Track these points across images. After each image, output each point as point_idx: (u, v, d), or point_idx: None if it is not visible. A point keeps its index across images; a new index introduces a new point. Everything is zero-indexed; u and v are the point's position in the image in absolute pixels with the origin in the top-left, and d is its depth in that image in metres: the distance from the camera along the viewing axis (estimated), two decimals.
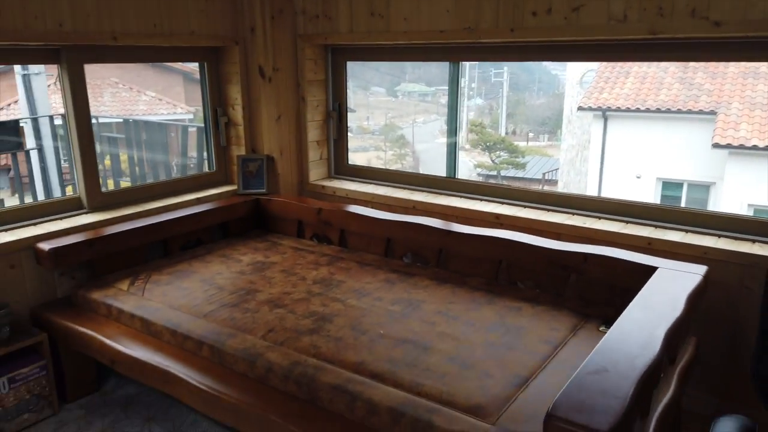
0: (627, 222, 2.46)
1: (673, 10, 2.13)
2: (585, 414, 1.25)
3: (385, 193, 3.01)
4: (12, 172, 11.70)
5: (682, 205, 8.66)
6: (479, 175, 14.63)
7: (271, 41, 3.00)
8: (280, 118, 3.14)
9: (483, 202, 2.82)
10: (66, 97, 2.57)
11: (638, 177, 10.32)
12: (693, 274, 1.99)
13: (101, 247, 2.47)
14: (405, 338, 1.93)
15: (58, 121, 4.73)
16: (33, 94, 5.59)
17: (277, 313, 2.13)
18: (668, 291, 1.86)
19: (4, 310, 2.20)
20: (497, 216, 2.66)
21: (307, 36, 3.06)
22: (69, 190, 4.57)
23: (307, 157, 3.25)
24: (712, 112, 9.18)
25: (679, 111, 9.80)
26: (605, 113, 10.74)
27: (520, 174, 14.35)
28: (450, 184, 2.98)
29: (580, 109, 11.36)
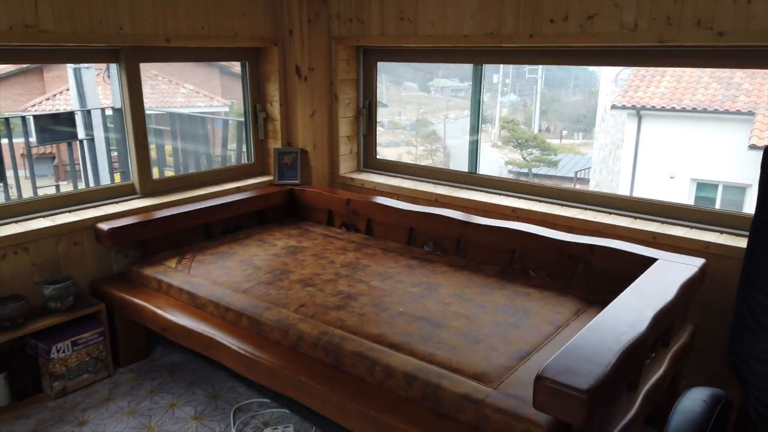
0: (635, 217, 2.65)
1: (680, 20, 2.31)
2: (570, 376, 1.48)
3: (409, 186, 3.25)
4: (56, 160, 12.34)
5: (717, 207, 8.63)
6: (510, 172, 14.67)
7: (307, 43, 3.27)
8: (313, 114, 3.40)
9: (501, 196, 3.03)
10: (123, 92, 2.89)
11: (672, 177, 10.28)
12: (689, 265, 2.18)
13: (152, 229, 2.78)
14: (421, 316, 2.17)
15: (107, 113, 5.10)
16: (83, 87, 6.01)
17: (308, 291, 2.39)
18: (663, 279, 2.05)
19: (69, 282, 2.53)
20: (514, 209, 2.87)
21: (341, 38, 3.32)
22: (117, 178, 4.94)
23: (338, 151, 3.51)
24: (750, 113, 9.10)
25: (716, 111, 9.73)
26: (639, 112, 10.72)
27: (552, 172, 14.33)
28: (471, 179, 3.20)
29: (614, 107, 11.36)
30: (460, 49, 3.03)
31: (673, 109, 10.22)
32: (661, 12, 2.34)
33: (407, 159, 14.04)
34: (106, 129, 4.82)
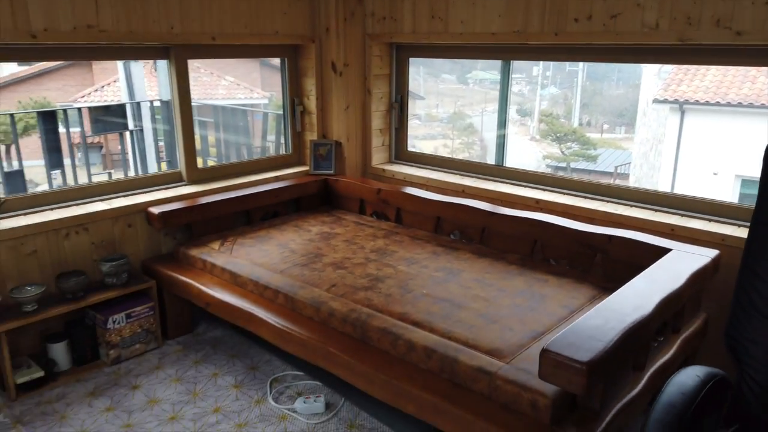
0: (655, 210, 2.77)
1: (700, 20, 2.41)
2: (572, 350, 1.64)
3: (438, 177, 3.42)
4: (104, 150, 12.95)
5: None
6: (548, 166, 14.60)
7: (343, 40, 3.47)
8: (348, 108, 3.61)
9: (526, 188, 3.17)
10: (172, 87, 3.15)
11: (715, 174, 10.12)
12: (702, 256, 2.30)
13: (197, 214, 3.04)
14: (443, 297, 2.36)
15: (155, 105, 5.43)
16: (132, 79, 6.37)
17: (339, 273, 2.61)
18: (674, 268, 2.18)
19: (123, 260, 2.81)
20: (537, 201, 3.01)
21: (375, 35, 3.50)
22: (162, 167, 5.26)
23: (371, 143, 3.71)
24: None
25: (762, 106, 9.54)
26: (682, 106, 10.56)
27: (591, 166, 14.19)
28: (498, 171, 3.35)
29: (655, 101, 11.21)
30: (489, 46, 3.18)
31: (718, 104, 10.04)
32: (682, 12, 2.44)
33: (443, 152, 14.15)
34: (153, 120, 5.15)
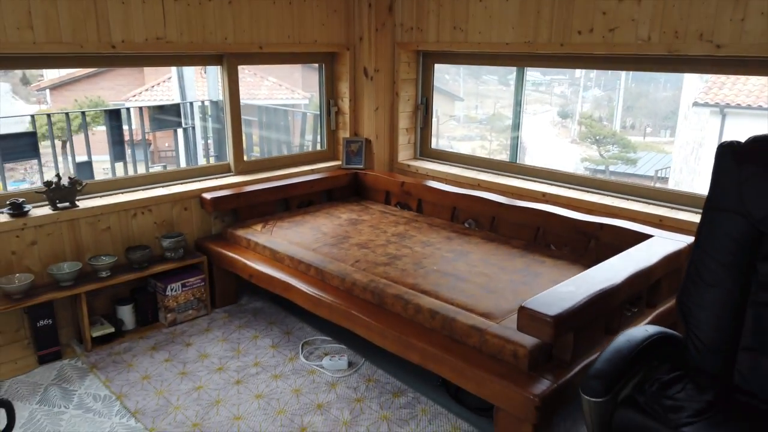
0: (648, 203, 3.13)
1: (686, 34, 2.78)
2: (545, 307, 2.05)
3: (457, 172, 3.85)
4: (152, 146, 13.82)
5: None
6: (586, 169, 14.73)
7: (374, 48, 3.94)
8: (377, 109, 4.08)
9: (535, 182, 3.57)
10: (224, 89, 3.68)
11: None
12: (680, 242, 2.66)
13: (243, 200, 3.55)
14: (451, 273, 2.79)
15: (205, 104, 6.02)
16: (184, 81, 7.02)
17: (363, 251, 3.07)
18: (650, 251, 2.56)
19: (180, 237, 3.34)
20: (544, 194, 3.41)
21: (403, 44, 3.96)
22: (210, 161, 5.83)
23: (397, 141, 4.17)
24: None
25: None
26: (723, 110, 10.64)
27: (630, 170, 14.25)
28: (511, 167, 3.76)
29: (695, 104, 11.29)
30: (503, 54, 3.59)
31: (760, 108, 10.10)
32: (670, 27, 2.81)
33: (480, 153, 14.46)
34: (204, 119, 5.74)
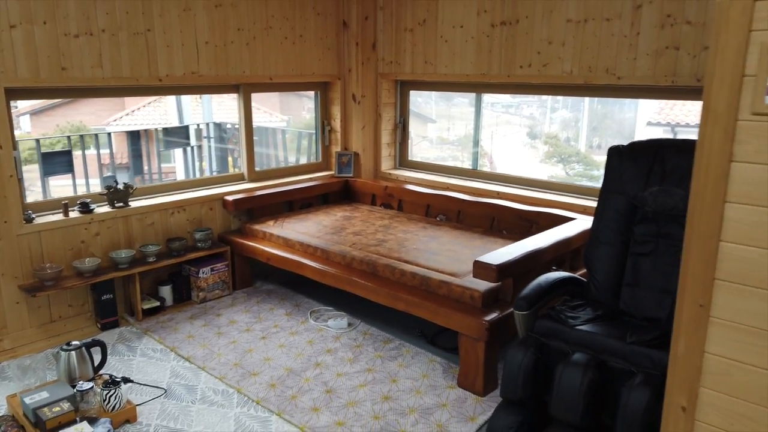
0: (576, 197, 4.19)
1: (597, 69, 3.87)
2: (491, 260, 3.05)
3: (430, 178, 4.88)
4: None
5: None
6: None
7: (361, 78, 4.98)
8: (364, 128, 5.10)
9: (491, 184, 4.62)
10: (240, 112, 4.66)
11: None
12: None
13: (256, 202, 4.52)
14: (427, 249, 3.79)
15: (210, 126, 6.98)
16: (182, 106, 7.96)
17: (357, 237, 4.05)
18: (572, 227, 3.60)
19: (208, 231, 4.28)
20: (498, 193, 4.45)
21: (384, 74, 5.01)
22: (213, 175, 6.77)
23: (381, 154, 5.19)
24: None
25: None
26: (674, 129, 11.90)
27: (596, 185, 15.44)
28: (473, 173, 4.81)
29: (649, 123, 12.59)
30: (465, 83, 4.66)
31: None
32: (586, 64, 3.91)
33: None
34: (208, 140, 6.70)
